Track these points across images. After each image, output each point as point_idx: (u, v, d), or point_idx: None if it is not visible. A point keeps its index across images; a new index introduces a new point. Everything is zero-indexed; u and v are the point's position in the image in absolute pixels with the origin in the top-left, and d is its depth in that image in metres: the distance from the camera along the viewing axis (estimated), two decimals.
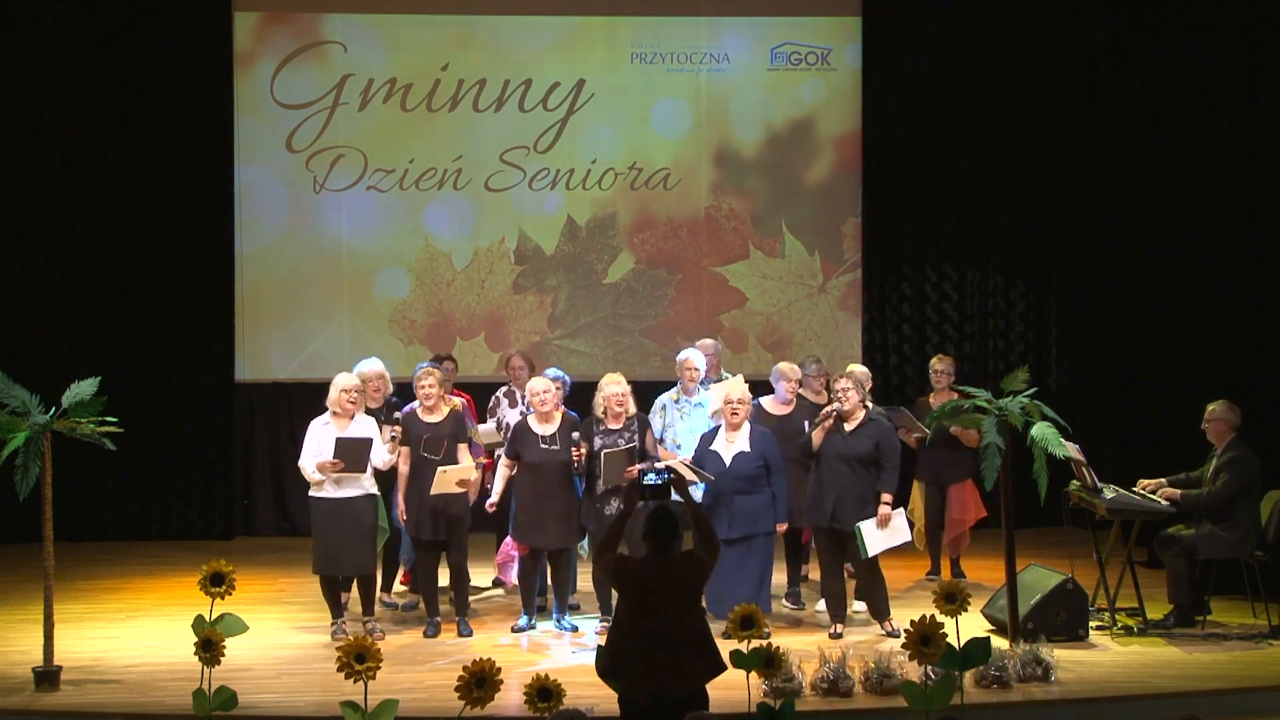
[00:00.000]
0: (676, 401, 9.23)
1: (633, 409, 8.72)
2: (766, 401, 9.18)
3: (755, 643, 5.93)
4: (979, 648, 6.14)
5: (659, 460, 8.71)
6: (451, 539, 8.64)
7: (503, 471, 8.79)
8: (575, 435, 8.60)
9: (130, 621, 9.14)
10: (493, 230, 12.26)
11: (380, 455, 8.51)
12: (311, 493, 8.54)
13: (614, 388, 8.66)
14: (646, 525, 6.08)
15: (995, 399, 8.02)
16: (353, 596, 8.80)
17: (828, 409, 8.57)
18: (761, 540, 8.42)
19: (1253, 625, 8.76)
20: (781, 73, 12.38)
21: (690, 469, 8.30)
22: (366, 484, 8.53)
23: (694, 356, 9.31)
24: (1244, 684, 7.74)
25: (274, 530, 12.04)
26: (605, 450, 8.44)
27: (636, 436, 8.62)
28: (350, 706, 5.88)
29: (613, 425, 8.63)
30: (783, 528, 8.59)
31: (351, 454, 8.37)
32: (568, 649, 8.46)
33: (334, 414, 8.53)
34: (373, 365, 9.20)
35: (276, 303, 12.07)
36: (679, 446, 9.02)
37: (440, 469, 8.43)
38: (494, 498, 8.82)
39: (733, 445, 8.44)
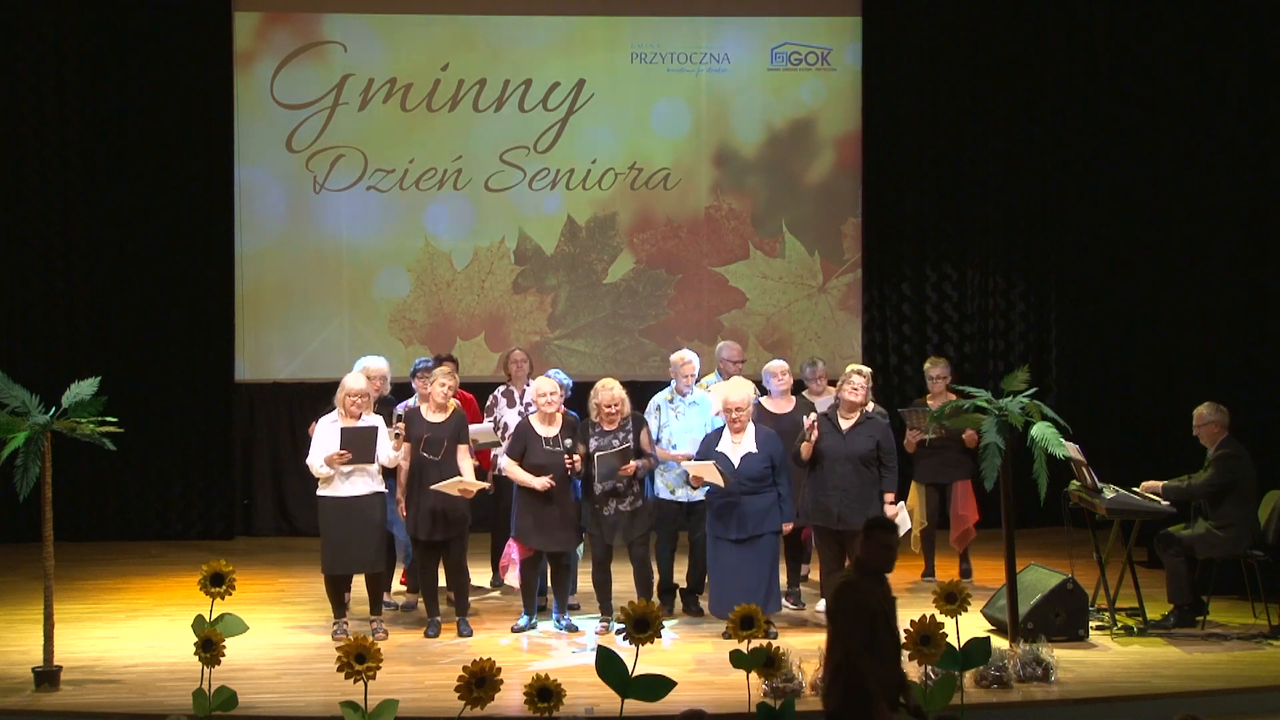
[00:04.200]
0: (671, 401, 9.20)
1: (627, 410, 8.71)
2: (765, 400, 9.22)
3: (759, 642, 5.92)
4: (979, 648, 6.15)
5: (654, 457, 8.76)
6: (451, 539, 8.64)
7: (516, 468, 8.70)
8: (569, 442, 8.59)
9: (130, 621, 9.13)
10: (493, 230, 12.26)
11: (386, 452, 8.52)
12: (319, 491, 8.52)
13: (606, 393, 8.64)
14: (871, 551, 5.99)
15: (995, 399, 8.01)
16: (353, 596, 8.79)
17: (809, 424, 8.55)
18: (768, 539, 8.44)
19: (1252, 625, 8.76)
20: (781, 73, 12.38)
21: (713, 470, 8.31)
22: (374, 482, 8.53)
23: (690, 356, 9.31)
24: (1244, 684, 7.73)
25: (274, 530, 12.04)
26: (599, 453, 8.45)
27: (631, 436, 8.62)
28: (350, 706, 5.88)
29: (607, 427, 8.63)
30: (789, 527, 8.61)
31: (358, 443, 8.36)
32: (568, 649, 8.45)
33: (341, 413, 8.53)
34: (379, 364, 9.20)
35: (276, 303, 12.08)
36: (674, 445, 9.01)
37: (458, 477, 8.45)
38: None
39: (739, 446, 8.44)
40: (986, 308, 12.43)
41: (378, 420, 8.60)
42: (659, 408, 9.22)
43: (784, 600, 9.23)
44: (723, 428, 8.57)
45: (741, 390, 8.61)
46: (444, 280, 12.24)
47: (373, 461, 8.45)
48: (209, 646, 6.18)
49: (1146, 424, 11.38)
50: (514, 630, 8.76)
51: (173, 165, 11.83)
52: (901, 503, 8.82)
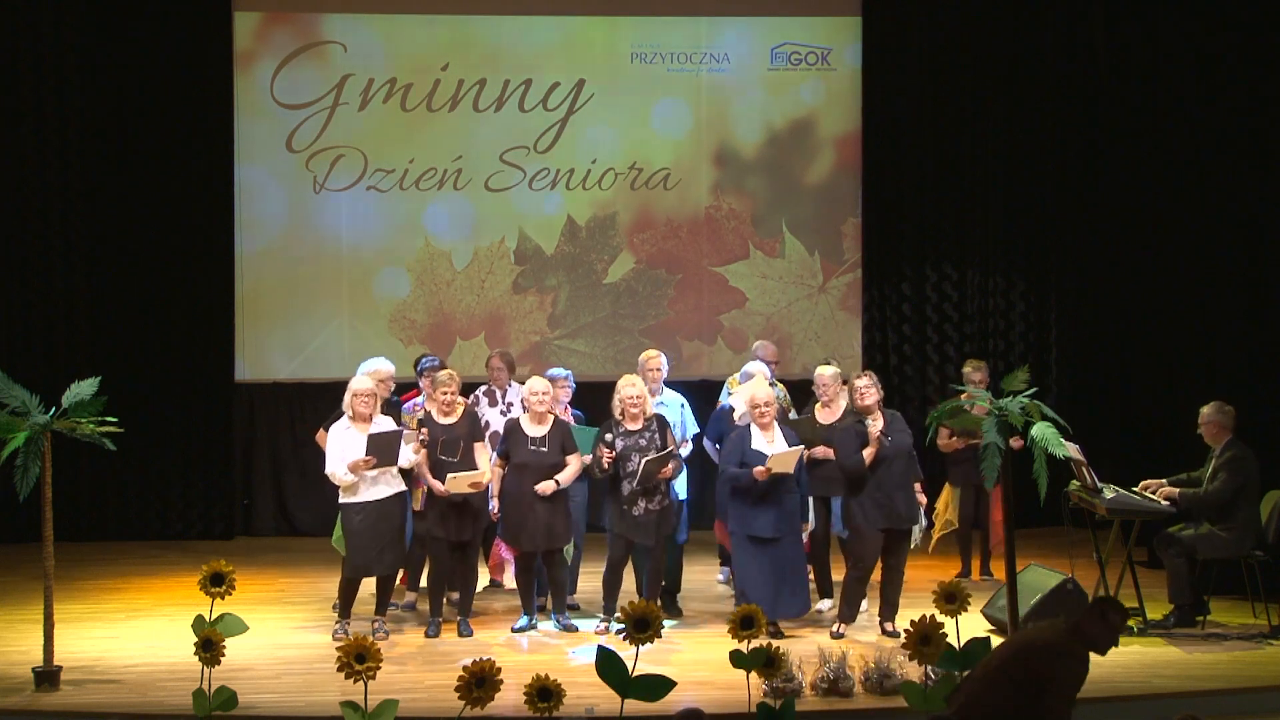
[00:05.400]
0: None
1: (650, 409, 8.74)
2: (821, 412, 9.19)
3: (759, 642, 5.93)
4: (979, 648, 6.15)
5: (679, 456, 8.79)
6: (470, 540, 8.66)
7: (496, 472, 8.76)
8: (609, 436, 8.60)
9: (130, 621, 9.14)
10: (493, 230, 12.26)
11: (406, 455, 8.53)
12: (344, 499, 8.49)
13: (630, 390, 8.66)
14: (1099, 631, 5.94)
15: (995, 399, 8.01)
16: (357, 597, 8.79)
17: (877, 433, 8.52)
18: (796, 538, 8.53)
19: (1253, 625, 8.76)
20: (781, 73, 12.38)
21: (795, 458, 8.36)
22: (397, 483, 8.55)
23: (655, 353, 9.35)
24: (1244, 684, 7.74)
25: (274, 530, 12.04)
26: (646, 460, 8.44)
27: (658, 436, 8.63)
28: (350, 706, 5.89)
29: (632, 426, 8.64)
30: (809, 527, 8.64)
31: (384, 448, 8.36)
32: (568, 649, 8.45)
33: (352, 418, 8.53)
34: (386, 366, 9.19)
35: (276, 303, 12.08)
36: None
37: (450, 475, 8.44)
38: (493, 503, 8.80)
39: (774, 444, 8.45)
40: (986, 308, 12.43)
41: (391, 421, 8.62)
42: None
43: None
44: (748, 427, 8.58)
45: (765, 387, 8.65)
46: (444, 280, 12.24)
47: (396, 464, 8.47)
48: (209, 646, 6.19)
49: (1146, 424, 11.38)
50: (514, 630, 8.76)
51: (173, 165, 11.82)
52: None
